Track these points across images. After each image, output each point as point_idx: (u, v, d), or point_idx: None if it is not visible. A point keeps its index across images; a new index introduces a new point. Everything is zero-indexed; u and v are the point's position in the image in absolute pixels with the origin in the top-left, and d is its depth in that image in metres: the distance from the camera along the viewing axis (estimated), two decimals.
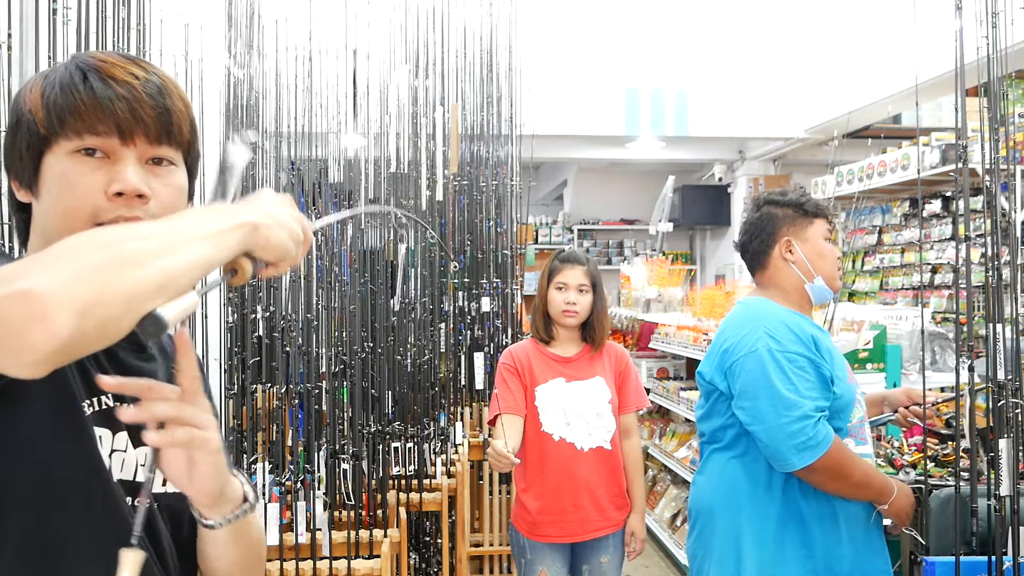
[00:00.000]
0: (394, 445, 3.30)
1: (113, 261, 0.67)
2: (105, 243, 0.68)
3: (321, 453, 3.02)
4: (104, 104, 0.87)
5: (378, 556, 2.86)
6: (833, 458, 1.89)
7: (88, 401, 0.88)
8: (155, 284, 0.68)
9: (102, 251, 0.67)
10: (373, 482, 3.19)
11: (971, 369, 2.25)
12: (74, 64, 0.90)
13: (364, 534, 2.95)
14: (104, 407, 0.90)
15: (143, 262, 0.68)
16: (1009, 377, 1.99)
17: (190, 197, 0.97)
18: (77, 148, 0.87)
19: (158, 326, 0.68)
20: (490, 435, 3.59)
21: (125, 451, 0.91)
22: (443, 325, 3.72)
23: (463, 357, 3.80)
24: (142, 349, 0.95)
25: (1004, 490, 1.96)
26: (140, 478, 0.92)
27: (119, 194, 0.87)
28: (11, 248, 1.88)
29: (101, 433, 0.89)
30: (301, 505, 2.87)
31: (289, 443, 3.02)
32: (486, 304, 3.85)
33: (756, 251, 2.15)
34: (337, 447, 3.07)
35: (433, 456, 3.48)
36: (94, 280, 0.65)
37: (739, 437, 2.04)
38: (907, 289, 6.57)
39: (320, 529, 2.90)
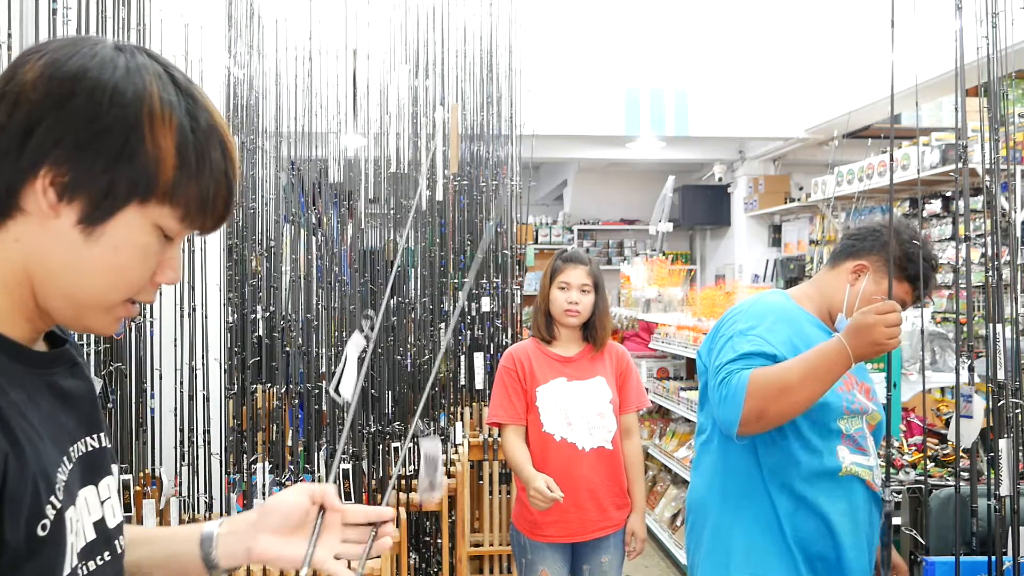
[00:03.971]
0: (394, 445, 3.30)
1: None
2: None
3: (321, 453, 3.02)
4: (228, 213, 0.81)
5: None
6: (758, 393, 1.71)
7: (66, 456, 0.78)
8: None
9: None
10: (373, 482, 3.18)
11: (971, 369, 2.25)
12: (218, 134, 0.79)
13: None
14: (83, 452, 0.81)
15: None
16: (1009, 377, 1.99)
17: None
18: (166, 227, 0.77)
19: None
20: (490, 435, 3.59)
21: (110, 497, 0.85)
22: (443, 325, 3.72)
23: (463, 357, 3.80)
24: (75, 364, 0.84)
25: (1004, 490, 1.96)
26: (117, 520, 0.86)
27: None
28: None
29: (87, 494, 0.80)
30: None
31: (289, 443, 3.02)
32: (486, 304, 3.84)
33: (844, 248, 2.05)
34: (337, 447, 3.07)
35: None
36: None
37: (715, 428, 2.02)
38: None
39: None
